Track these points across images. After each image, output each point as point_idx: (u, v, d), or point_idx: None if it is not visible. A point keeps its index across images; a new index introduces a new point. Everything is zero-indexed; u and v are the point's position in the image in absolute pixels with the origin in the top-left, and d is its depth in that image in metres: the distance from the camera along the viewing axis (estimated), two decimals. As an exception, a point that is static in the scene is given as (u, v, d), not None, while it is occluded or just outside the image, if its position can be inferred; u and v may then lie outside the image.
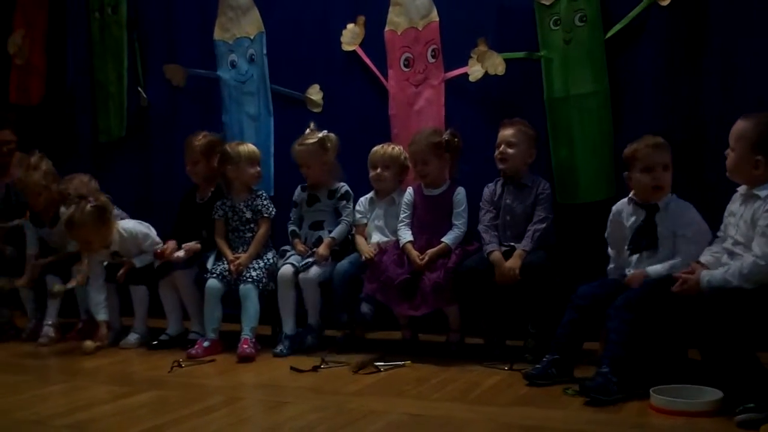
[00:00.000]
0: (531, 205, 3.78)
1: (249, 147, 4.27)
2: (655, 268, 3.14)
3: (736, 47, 3.56)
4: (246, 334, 3.94)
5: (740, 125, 2.94)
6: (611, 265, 3.41)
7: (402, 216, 3.97)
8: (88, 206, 4.14)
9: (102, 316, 4.29)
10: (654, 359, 3.06)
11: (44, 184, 4.52)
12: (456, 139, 3.89)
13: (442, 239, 3.80)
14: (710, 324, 2.71)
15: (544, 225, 3.70)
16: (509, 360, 3.54)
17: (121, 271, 4.30)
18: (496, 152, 3.82)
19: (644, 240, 3.24)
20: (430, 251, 3.76)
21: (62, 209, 4.31)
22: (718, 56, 3.61)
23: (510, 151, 3.78)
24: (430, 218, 3.91)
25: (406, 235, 3.90)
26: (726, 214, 3.05)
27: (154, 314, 4.43)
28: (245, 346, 3.88)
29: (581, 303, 3.20)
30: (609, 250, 3.42)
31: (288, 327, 4.03)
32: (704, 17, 3.62)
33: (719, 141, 3.07)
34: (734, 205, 3.01)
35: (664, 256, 3.18)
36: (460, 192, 3.90)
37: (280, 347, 3.96)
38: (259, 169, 4.28)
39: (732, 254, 2.90)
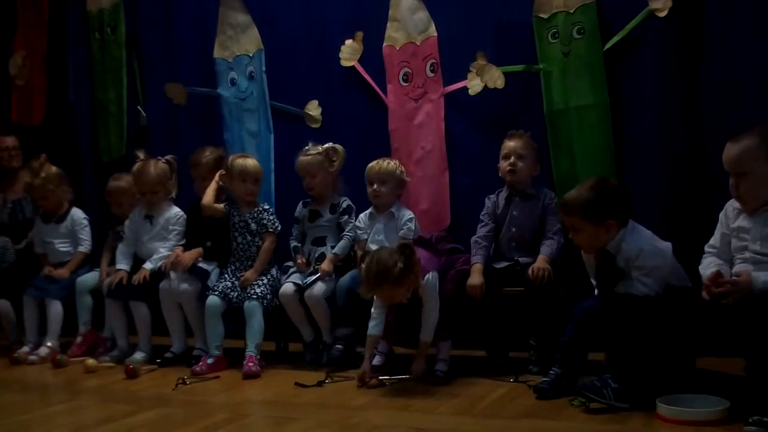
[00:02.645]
0: (539, 216, 3.80)
1: (244, 162, 4.21)
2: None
3: (735, 58, 3.58)
4: (251, 351, 3.94)
5: (743, 146, 2.86)
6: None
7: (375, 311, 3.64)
8: (161, 162, 4.46)
9: (123, 265, 4.43)
10: (661, 368, 3.04)
11: (51, 188, 4.70)
12: (407, 259, 3.40)
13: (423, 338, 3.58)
14: (764, 327, 2.61)
15: (561, 236, 3.70)
16: (514, 372, 3.54)
17: (138, 276, 4.32)
18: (504, 163, 3.81)
19: (608, 280, 3.16)
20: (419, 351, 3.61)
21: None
22: (716, 67, 3.62)
23: (520, 163, 3.79)
24: None
25: (376, 330, 3.62)
26: (725, 230, 3.00)
27: (158, 332, 4.42)
28: (250, 364, 3.88)
29: (582, 316, 3.20)
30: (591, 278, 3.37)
31: (306, 335, 4.14)
32: (702, 28, 3.64)
33: (719, 151, 3.05)
34: (740, 222, 2.93)
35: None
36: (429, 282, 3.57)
37: (308, 355, 4.14)
38: (251, 186, 4.20)
39: (759, 263, 2.81)
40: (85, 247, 4.74)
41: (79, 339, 4.57)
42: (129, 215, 4.57)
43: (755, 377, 2.67)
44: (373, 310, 3.65)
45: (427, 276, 3.53)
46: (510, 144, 3.82)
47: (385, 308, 3.62)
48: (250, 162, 4.24)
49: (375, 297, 3.60)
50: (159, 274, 4.32)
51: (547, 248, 3.70)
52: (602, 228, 3.10)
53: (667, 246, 3.19)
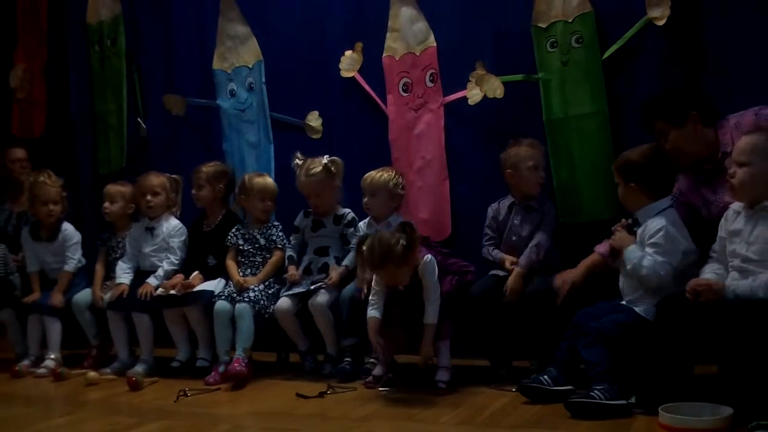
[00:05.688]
0: (537, 226, 3.81)
1: (263, 180, 4.34)
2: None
3: (733, 66, 3.58)
4: (238, 354, 3.94)
5: (753, 139, 2.91)
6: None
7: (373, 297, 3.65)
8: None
9: (124, 279, 4.45)
10: (661, 376, 3.04)
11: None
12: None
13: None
14: (733, 334, 2.66)
15: (538, 249, 3.74)
16: (516, 381, 3.52)
17: (143, 290, 4.30)
18: (536, 175, 3.80)
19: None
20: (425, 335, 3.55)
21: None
22: (714, 75, 3.62)
23: (543, 174, 3.82)
24: None
25: (377, 312, 3.61)
26: (723, 234, 3.03)
27: (159, 343, 4.43)
28: (236, 364, 3.88)
29: (575, 321, 3.26)
30: None
31: (301, 345, 4.15)
32: (700, 36, 3.65)
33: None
34: (736, 224, 2.96)
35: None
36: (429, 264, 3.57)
37: (307, 364, 4.15)
38: (270, 203, 4.33)
39: (744, 271, 2.86)
40: (70, 266, 4.66)
41: (93, 352, 4.59)
42: (126, 226, 4.64)
43: (728, 382, 2.74)
44: (371, 296, 3.64)
45: (425, 257, 3.54)
46: (535, 152, 3.80)
47: (383, 293, 3.60)
48: (267, 181, 4.36)
49: (372, 284, 3.61)
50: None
51: (525, 258, 3.73)
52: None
53: (688, 247, 3.19)
